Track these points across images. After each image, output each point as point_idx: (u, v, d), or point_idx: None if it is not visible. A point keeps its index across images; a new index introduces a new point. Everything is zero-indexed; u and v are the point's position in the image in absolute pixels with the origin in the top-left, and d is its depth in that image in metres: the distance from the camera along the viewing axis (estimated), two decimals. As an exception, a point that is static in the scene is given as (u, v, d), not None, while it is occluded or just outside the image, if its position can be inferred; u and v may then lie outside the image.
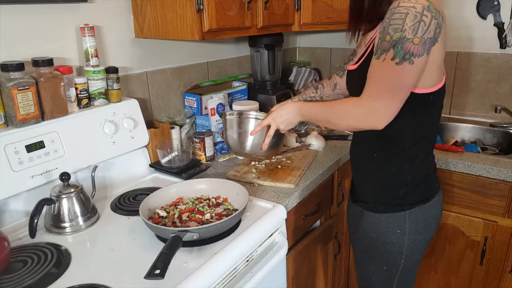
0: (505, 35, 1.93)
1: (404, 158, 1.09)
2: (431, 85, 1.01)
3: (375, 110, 0.97)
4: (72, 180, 1.15)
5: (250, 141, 1.21)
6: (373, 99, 0.97)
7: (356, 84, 1.13)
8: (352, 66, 1.14)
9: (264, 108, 1.82)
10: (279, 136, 1.21)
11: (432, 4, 0.92)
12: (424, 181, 1.12)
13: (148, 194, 1.15)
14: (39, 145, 1.14)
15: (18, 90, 1.07)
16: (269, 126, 1.18)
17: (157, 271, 0.82)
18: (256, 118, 1.20)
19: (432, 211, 1.14)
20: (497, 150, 1.90)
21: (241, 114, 1.23)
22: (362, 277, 1.31)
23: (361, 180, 1.22)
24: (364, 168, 1.19)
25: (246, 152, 1.27)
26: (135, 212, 1.14)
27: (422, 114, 1.03)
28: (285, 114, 1.16)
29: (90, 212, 1.14)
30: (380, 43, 0.95)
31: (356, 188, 1.27)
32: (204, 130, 1.60)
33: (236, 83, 1.98)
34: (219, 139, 1.64)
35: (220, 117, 1.30)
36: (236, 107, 1.67)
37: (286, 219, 1.22)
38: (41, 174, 1.14)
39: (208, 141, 1.53)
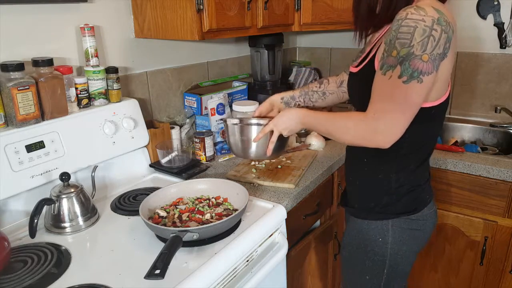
0: (505, 35, 1.93)
1: (392, 166, 1.06)
2: (434, 99, 0.97)
3: (380, 129, 0.92)
4: (72, 180, 1.15)
5: (253, 148, 1.19)
6: (379, 117, 0.92)
7: (355, 89, 1.11)
8: (353, 69, 1.11)
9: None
10: (282, 140, 1.19)
11: (442, 16, 0.87)
12: (411, 192, 1.07)
13: (148, 194, 1.15)
14: (39, 145, 1.14)
15: (18, 90, 1.07)
16: (272, 132, 1.15)
17: (157, 271, 0.82)
18: (258, 125, 1.18)
19: (420, 224, 1.09)
20: (497, 150, 1.90)
21: (242, 121, 1.21)
22: (344, 284, 1.27)
23: (350, 184, 1.20)
24: (354, 172, 1.17)
25: (250, 158, 1.30)
26: (135, 212, 1.14)
27: (421, 127, 0.99)
28: (287, 121, 1.12)
29: (90, 212, 1.14)
30: (386, 57, 0.91)
31: (347, 193, 1.25)
32: (204, 130, 1.60)
33: (236, 83, 1.98)
34: (219, 139, 1.64)
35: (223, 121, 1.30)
36: (236, 107, 1.67)
37: (286, 219, 1.22)
38: (41, 174, 1.14)
39: (208, 141, 1.53)
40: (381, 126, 0.92)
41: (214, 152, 1.59)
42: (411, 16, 0.87)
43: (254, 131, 1.17)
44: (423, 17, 0.86)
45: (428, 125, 1.02)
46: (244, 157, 1.27)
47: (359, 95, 1.08)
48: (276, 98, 1.32)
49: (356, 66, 1.11)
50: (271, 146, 1.15)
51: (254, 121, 1.20)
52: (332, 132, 1.04)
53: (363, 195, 1.14)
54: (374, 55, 1.01)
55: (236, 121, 1.22)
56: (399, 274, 1.14)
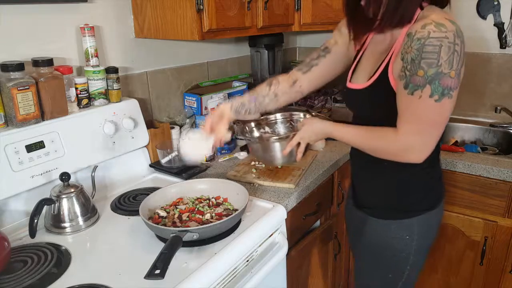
0: (505, 35, 1.93)
1: (413, 166, 1.02)
2: None
3: (415, 147, 0.95)
4: (72, 180, 1.15)
5: (280, 160, 1.23)
6: (413, 136, 0.94)
7: (365, 106, 1.09)
8: (355, 85, 1.07)
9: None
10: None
11: (457, 26, 0.88)
12: (434, 187, 1.12)
13: (148, 194, 1.15)
14: (39, 145, 1.14)
15: (18, 90, 1.07)
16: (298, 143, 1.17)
17: (157, 271, 0.82)
18: (280, 140, 1.20)
19: (438, 216, 1.14)
20: (497, 150, 1.90)
21: (261, 139, 1.27)
22: (362, 285, 1.27)
23: (368, 186, 1.18)
24: (374, 176, 1.14)
25: (278, 166, 1.43)
26: (135, 212, 1.14)
27: None
28: (312, 135, 1.15)
29: (90, 212, 1.14)
30: (409, 76, 0.90)
31: (359, 194, 1.22)
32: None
33: (236, 83, 1.98)
34: (219, 139, 1.64)
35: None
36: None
37: (286, 219, 1.22)
38: (41, 174, 1.14)
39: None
40: (415, 145, 0.94)
41: (214, 152, 1.59)
42: (434, 34, 0.86)
43: (277, 146, 1.20)
44: (445, 34, 0.86)
45: None
46: (272, 165, 1.41)
47: (373, 111, 1.06)
48: (225, 108, 1.19)
49: (350, 81, 1.09)
50: (300, 155, 1.19)
51: (273, 138, 1.21)
52: (364, 149, 1.06)
53: (387, 196, 1.13)
54: (385, 70, 0.98)
55: (256, 140, 1.27)
56: (418, 268, 1.17)
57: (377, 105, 1.02)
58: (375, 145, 1.02)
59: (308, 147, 1.23)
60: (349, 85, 1.11)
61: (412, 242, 1.10)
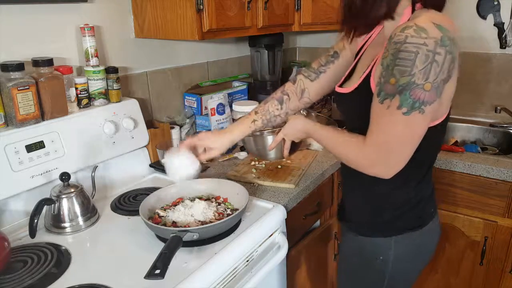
0: (505, 35, 1.93)
1: (394, 182, 0.92)
2: (440, 116, 0.90)
3: (377, 162, 0.87)
4: (72, 180, 1.15)
5: (271, 154, 1.24)
6: (377, 149, 0.85)
7: (350, 111, 1.04)
8: (342, 89, 1.01)
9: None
10: (294, 143, 1.21)
11: (445, 33, 0.77)
12: (415, 208, 1.01)
13: (148, 194, 1.15)
14: (39, 145, 1.14)
15: (18, 90, 1.07)
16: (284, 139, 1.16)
17: (157, 271, 0.82)
18: (272, 133, 1.21)
19: (424, 240, 1.04)
20: (497, 150, 1.90)
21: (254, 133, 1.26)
22: None
23: (349, 199, 1.13)
24: (353, 187, 1.09)
25: (269, 160, 1.43)
26: (135, 212, 1.14)
27: (426, 143, 0.88)
28: (296, 133, 1.12)
29: (90, 212, 1.14)
30: (383, 83, 0.82)
31: (342, 205, 1.19)
32: (204, 130, 1.60)
33: (236, 83, 1.98)
34: (219, 139, 1.64)
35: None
36: (236, 107, 1.67)
37: (286, 219, 1.22)
38: (41, 174, 1.14)
39: (208, 141, 1.53)
40: (377, 159, 0.87)
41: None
42: (411, 39, 0.77)
43: (268, 140, 1.21)
44: (424, 40, 0.77)
45: (433, 140, 0.94)
46: (262, 158, 1.44)
47: (358, 117, 0.98)
48: (236, 138, 1.19)
49: (341, 85, 1.04)
50: (286, 152, 1.18)
51: (265, 132, 1.23)
52: (336, 155, 1.00)
53: (364, 211, 1.07)
54: (368, 74, 0.92)
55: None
56: None
57: (359, 111, 0.94)
58: (344, 153, 0.95)
59: (299, 145, 1.20)
60: (337, 89, 1.04)
61: (387, 264, 1.02)
